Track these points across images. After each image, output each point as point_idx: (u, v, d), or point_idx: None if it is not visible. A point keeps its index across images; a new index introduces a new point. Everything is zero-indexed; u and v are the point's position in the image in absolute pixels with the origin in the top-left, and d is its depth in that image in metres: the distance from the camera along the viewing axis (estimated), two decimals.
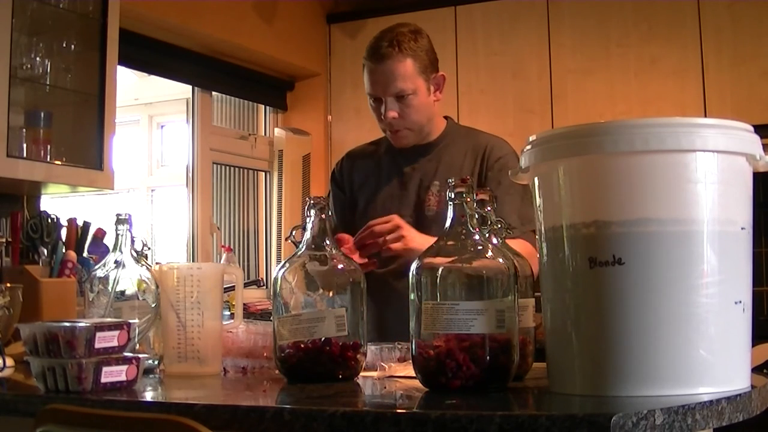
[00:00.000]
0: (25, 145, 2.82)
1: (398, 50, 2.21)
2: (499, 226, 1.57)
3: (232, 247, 4.28)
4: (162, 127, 4.64)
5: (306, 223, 1.63)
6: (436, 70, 2.30)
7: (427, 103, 2.28)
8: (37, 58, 2.90)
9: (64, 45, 3.01)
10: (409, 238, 2.07)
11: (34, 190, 3.08)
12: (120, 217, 1.79)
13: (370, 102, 2.29)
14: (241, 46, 4.10)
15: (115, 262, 1.78)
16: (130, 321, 1.55)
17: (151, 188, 4.61)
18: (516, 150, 2.26)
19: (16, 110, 2.79)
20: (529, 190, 1.43)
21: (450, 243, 1.41)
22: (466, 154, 2.31)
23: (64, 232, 2.65)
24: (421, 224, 2.22)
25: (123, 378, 1.48)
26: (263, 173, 4.55)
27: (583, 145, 1.29)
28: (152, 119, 4.62)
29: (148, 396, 1.49)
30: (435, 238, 1.45)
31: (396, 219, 2.11)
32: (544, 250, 1.35)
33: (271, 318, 1.62)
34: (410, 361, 1.43)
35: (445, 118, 2.41)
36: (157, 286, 1.75)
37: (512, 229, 2.12)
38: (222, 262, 3.85)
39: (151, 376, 1.70)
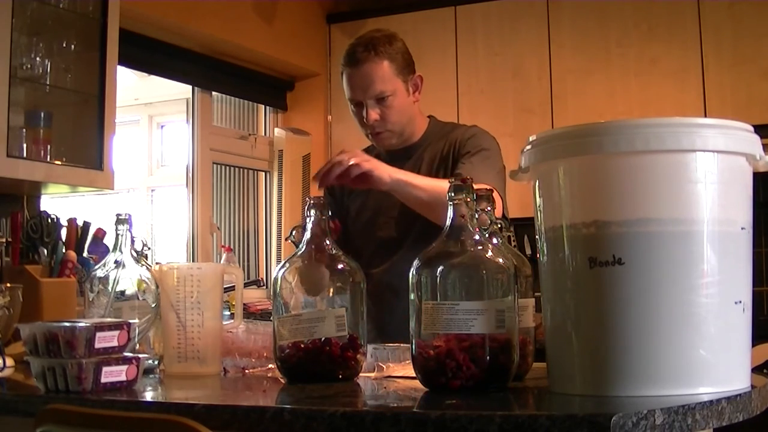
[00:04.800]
0: (25, 145, 2.82)
1: (374, 53, 2.25)
2: (500, 226, 1.57)
3: (232, 247, 4.28)
4: (162, 127, 4.64)
5: (306, 223, 1.63)
6: (413, 71, 2.33)
7: (407, 104, 2.32)
8: (37, 58, 2.90)
9: (64, 45, 3.01)
10: (373, 160, 2.06)
11: (34, 190, 3.08)
12: (120, 217, 1.79)
13: (351, 108, 2.33)
14: (241, 46, 4.10)
15: (115, 262, 1.78)
16: (130, 321, 1.55)
17: (151, 188, 4.61)
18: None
19: (16, 110, 2.79)
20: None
21: (450, 243, 1.41)
22: (443, 149, 2.33)
23: (64, 232, 2.65)
24: (416, 222, 2.23)
25: (123, 378, 1.48)
26: (263, 173, 4.55)
27: (583, 145, 1.29)
28: (152, 119, 4.62)
29: (148, 396, 1.49)
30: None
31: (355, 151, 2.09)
32: (544, 250, 1.35)
33: (271, 318, 1.62)
34: (410, 361, 1.43)
35: (429, 117, 2.42)
36: (157, 286, 1.75)
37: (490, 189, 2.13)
38: (222, 262, 3.84)
39: (151, 376, 1.70)
